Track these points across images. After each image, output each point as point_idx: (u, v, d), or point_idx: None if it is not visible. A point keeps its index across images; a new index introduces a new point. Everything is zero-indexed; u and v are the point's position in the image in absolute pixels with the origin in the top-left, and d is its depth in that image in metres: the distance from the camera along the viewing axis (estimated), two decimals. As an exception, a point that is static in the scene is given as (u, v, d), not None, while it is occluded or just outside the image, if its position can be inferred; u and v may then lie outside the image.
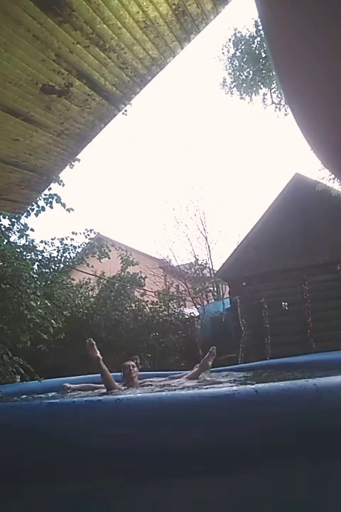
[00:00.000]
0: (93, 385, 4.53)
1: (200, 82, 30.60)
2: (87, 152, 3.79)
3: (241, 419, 1.68)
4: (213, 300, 13.74)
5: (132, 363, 4.41)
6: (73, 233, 8.53)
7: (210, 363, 4.42)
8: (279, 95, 9.95)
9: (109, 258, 9.29)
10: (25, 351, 4.84)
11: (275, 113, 10.46)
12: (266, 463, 1.66)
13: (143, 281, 10.47)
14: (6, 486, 1.75)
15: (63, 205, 6.83)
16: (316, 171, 8.23)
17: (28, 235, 7.43)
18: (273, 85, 9.91)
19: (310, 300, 8.66)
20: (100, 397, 2.79)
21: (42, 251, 8.12)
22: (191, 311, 11.46)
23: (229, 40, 10.20)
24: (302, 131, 0.33)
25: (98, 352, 4.07)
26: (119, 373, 4.62)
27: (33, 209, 6.59)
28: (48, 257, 8.25)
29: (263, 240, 9.08)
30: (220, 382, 4.35)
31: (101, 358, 4.05)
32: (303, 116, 0.33)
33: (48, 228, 9.81)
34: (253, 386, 1.79)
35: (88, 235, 8.79)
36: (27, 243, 7.45)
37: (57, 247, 8.46)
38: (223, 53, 10.36)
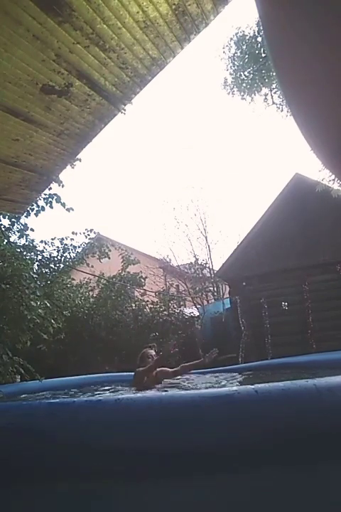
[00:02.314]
0: None
1: (201, 82, 30.63)
2: (87, 152, 3.80)
3: (241, 419, 1.68)
4: (213, 300, 13.73)
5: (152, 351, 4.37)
6: (73, 233, 8.54)
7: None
8: (280, 95, 9.94)
9: (109, 258, 9.29)
10: (25, 351, 4.84)
11: (276, 113, 10.48)
12: (265, 463, 1.66)
13: (143, 281, 10.47)
14: (6, 486, 1.75)
15: (63, 205, 6.83)
16: (316, 171, 8.24)
17: (28, 235, 7.44)
18: (274, 85, 9.91)
19: (310, 300, 8.65)
20: (100, 397, 2.79)
21: (42, 251, 8.12)
22: (191, 311, 11.45)
23: (231, 39, 10.21)
24: (302, 131, 0.33)
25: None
26: (119, 373, 4.61)
27: (33, 209, 6.59)
28: (48, 257, 8.25)
29: (263, 240, 9.08)
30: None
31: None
32: (303, 117, 0.33)
33: (48, 228, 9.83)
34: (253, 386, 1.79)
35: (88, 235, 8.79)
36: (27, 243, 7.45)
37: (57, 247, 8.47)
38: (224, 53, 10.37)
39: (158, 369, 4.22)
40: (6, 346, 4.15)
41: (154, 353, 4.33)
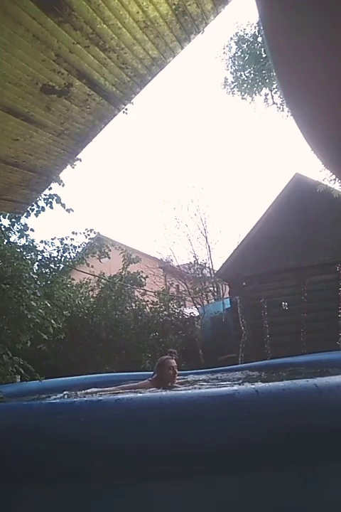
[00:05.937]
0: None
1: (201, 81, 30.64)
2: (87, 152, 3.80)
3: (241, 419, 1.68)
4: (213, 300, 13.74)
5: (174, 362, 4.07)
6: (73, 233, 8.54)
7: None
8: (280, 96, 9.93)
9: (109, 258, 9.28)
10: (25, 351, 4.83)
11: (277, 113, 10.46)
12: (266, 463, 1.66)
13: (143, 280, 10.47)
14: (6, 486, 1.75)
15: (63, 205, 6.83)
16: (317, 171, 8.25)
17: (28, 235, 7.44)
18: (275, 85, 9.90)
19: (307, 300, 8.65)
20: (100, 397, 2.79)
21: (42, 251, 8.12)
22: (191, 311, 11.45)
23: (231, 39, 10.20)
24: (303, 131, 0.33)
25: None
26: (119, 373, 4.59)
27: (33, 209, 6.59)
28: (48, 257, 8.25)
29: (263, 240, 9.08)
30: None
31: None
32: (303, 117, 0.33)
33: (48, 228, 9.83)
34: (253, 386, 1.79)
35: (88, 235, 8.79)
36: (27, 243, 7.45)
37: (57, 247, 8.47)
38: (224, 53, 10.36)
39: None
40: (6, 346, 4.14)
41: (175, 363, 4.04)
